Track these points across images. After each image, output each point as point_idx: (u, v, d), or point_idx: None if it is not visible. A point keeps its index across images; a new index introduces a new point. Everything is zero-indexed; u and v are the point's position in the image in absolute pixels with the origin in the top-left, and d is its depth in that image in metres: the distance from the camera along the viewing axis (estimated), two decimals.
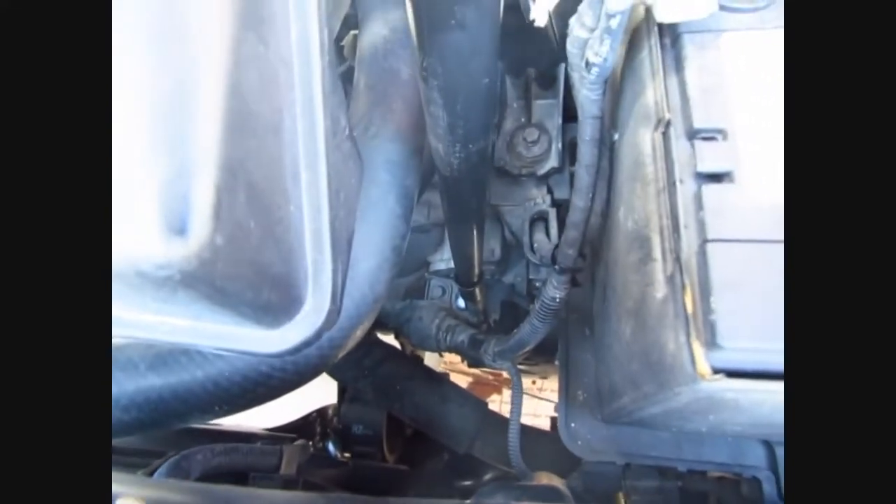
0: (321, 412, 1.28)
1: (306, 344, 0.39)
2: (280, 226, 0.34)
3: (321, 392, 1.13)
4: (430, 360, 1.65)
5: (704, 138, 0.41)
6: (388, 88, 0.64)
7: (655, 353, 0.41)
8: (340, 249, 0.42)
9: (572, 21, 0.48)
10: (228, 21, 0.27)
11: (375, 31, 0.67)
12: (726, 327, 0.35)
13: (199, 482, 0.68)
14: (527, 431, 1.04)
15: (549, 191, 0.92)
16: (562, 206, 0.89)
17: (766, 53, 0.43)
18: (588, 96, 0.52)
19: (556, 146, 0.89)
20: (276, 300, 0.35)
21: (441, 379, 1.14)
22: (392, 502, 0.73)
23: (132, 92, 0.24)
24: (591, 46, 0.47)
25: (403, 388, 1.07)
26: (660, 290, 0.41)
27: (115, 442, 0.90)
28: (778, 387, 0.33)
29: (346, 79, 0.78)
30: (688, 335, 0.37)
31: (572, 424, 0.77)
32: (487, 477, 1.17)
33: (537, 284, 1.00)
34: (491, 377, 3.05)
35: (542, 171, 0.90)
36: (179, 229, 0.25)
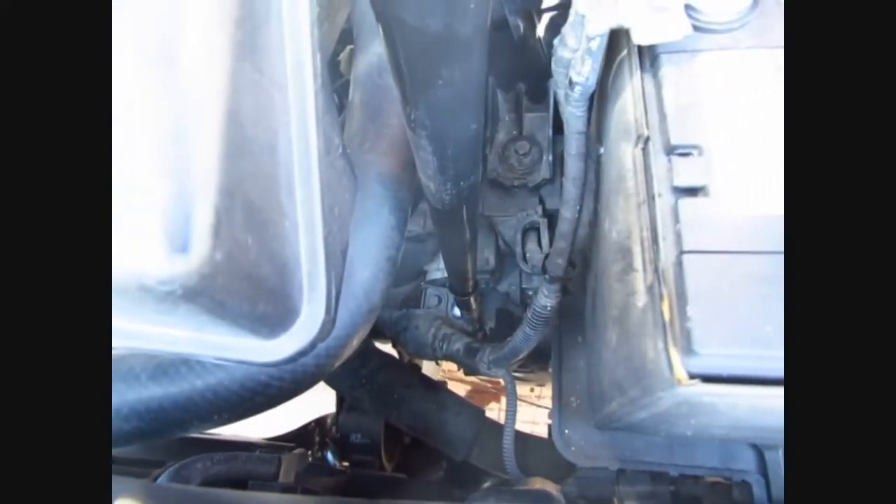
0: (319, 421, 1.29)
1: (302, 353, 0.41)
2: (276, 241, 0.36)
3: (319, 402, 1.15)
4: (428, 368, 1.67)
5: (681, 154, 0.43)
6: (383, 104, 0.66)
7: (638, 360, 0.43)
8: (334, 262, 0.43)
9: (556, 42, 0.50)
10: (226, 52, 0.29)
11: (371, 49, 0.69)
12: (701, 334, 0.36)
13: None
14: (524, 439, 1.06)
15: (541, 201, 0.94)
16: (553, 217, 0.91)
17: (739, 72, 0.45)
18: (573, 113, 0.54)
19: (547, 158, 0.91)
20: (272, 312, 0.37)
21: (438, 387, 1.15)
22: None
23: (137, 120, 0.26)
24: (574, 66, 0.49)
25: (401, 396, 1.08)
26: (641, 299, 0.43)
27: (115, 452, 0.91)
28: (750, 391, 0.35)
29: (342, 93, 0.80)
30: (666, 342, 0.38)
31: (566, 430, 0.78)
32: (486, 486, 1.18)
33: (530, 293, 1.02)
34: (489, 385, 3.05)
35: (533, 182, 0.92)
36: (182, 247, 0.27)
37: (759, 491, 0.69)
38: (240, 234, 0.30)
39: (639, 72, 0.48)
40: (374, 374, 1.06)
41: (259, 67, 0.32)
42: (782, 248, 0.37)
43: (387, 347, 1.13)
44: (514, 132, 0.95)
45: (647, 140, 0.45)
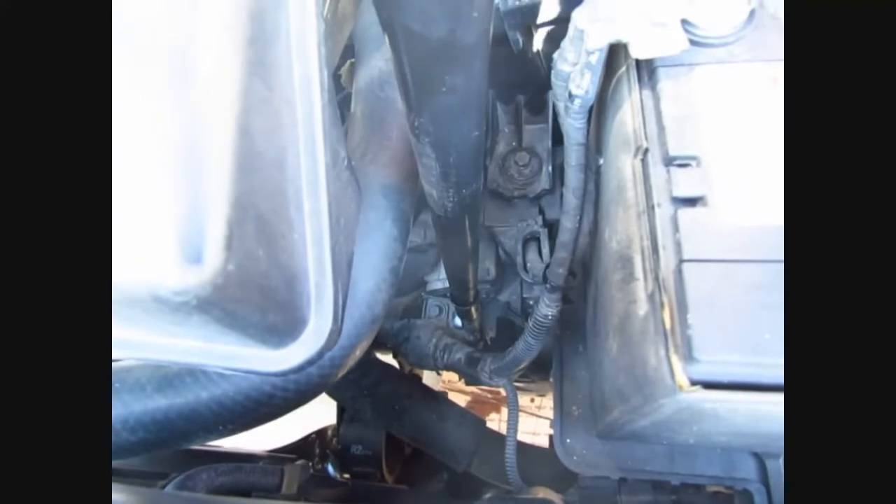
0: (320, 433, 1.29)
1: (309, 363, 0.42)
2: (285, 253, 0.36)
3: (320, 413, 1.15)
4: (429, 378, 1.66)
5: (679, 165, 0.44)
6: (385, 117, 0.67)
7: (639, 367, 0.43)
8: (341, 272, 0.44)
9: (556, 56, 0.52)
10: (238, 69, 0.30)
11: (372, 63, 0.71)
12: (702, 341, 0.37)
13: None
14: (525, 449, 1.06)
15: (541, 211, 0.95)
16: (553, 227, 0.92)
17: (736, 85, 0.46)
18: (573, 125, 0.55)
19: (547, 169, 0.93)
20: (281, 322, 0.38)
21: (439, 397, 1.15)
22: None
23: (152, 135, 0.27)
24: (573, 80, 0.50)
25: (402, 406, 1.08)
26: (642, 308, 0.44)
27: (120, 464, 0.91)
28: (750, 397, 0.36)
29: (344, 105, 0.81)
30: (667, 349, 0.39)
31: (567, 440, 0.78)
32: (487, 496, 1.17)
33: (531, 303, 1.02)
34: (489, 395, 3.05)
35: (533, 193, 0.93)
36: (196, 258, 0.27)
37: (760, 500, 0.69)
38: (251, 246, 0.31)
39: (637, 85, 0.49)
40: (375, 385, 1.06)
41: (269, 84, 0.33)
42: (781, 257, 0.38)
43: (388, 358, 1.14)
44: (514, 143, 0.96)
45: (646, 151, 0.46)
